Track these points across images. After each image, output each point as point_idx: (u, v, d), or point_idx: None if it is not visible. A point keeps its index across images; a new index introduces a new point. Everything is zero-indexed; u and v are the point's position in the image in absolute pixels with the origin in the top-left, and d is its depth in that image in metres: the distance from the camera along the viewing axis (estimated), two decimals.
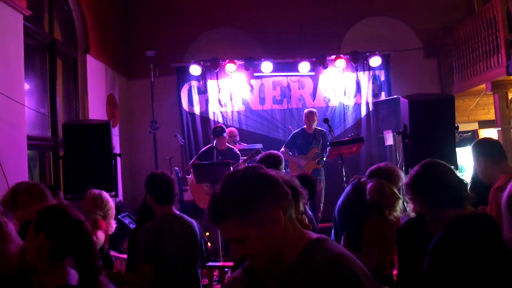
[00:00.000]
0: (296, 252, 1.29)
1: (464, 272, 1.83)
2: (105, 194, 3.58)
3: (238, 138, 7.20)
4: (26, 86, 4.84)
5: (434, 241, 1.93)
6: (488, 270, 1.83)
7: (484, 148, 3.15)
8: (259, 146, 6.48)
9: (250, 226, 1.25)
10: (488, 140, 3.37)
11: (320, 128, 6.60)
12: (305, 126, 6.62)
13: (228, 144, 6.22)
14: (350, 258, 1.27)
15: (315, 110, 6.72)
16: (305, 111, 6.77)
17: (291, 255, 1.28)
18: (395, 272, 2.81)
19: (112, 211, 3.57)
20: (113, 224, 3.60)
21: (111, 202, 3.60)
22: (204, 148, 6.33)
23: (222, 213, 1.26)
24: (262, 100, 8.09)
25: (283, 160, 3.71)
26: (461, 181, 2.06)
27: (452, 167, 2.12)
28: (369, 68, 7.97)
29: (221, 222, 1.27)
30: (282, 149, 6.51)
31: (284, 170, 4.71)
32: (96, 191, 3.58)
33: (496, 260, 1.82)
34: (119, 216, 6.39)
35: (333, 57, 7.78)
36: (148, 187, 3.10)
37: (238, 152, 6.13)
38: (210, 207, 1.29)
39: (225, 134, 6.13)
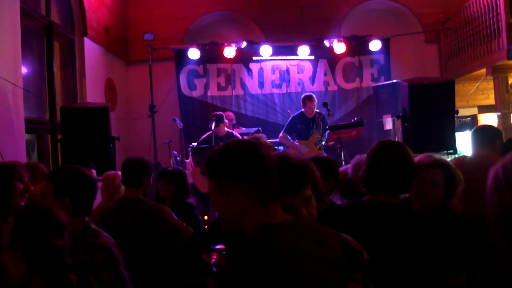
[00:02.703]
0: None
1: None
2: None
3: (235, 122, 7.17)
4: (24, 70, 4.79)
5: None
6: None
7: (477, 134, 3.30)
8: (254, 130, 6.41)
9: (222, 193, 1.38)
10: (482, 127, 3.50)
11: (319, 111, 6.41)
12: (303, 110, 6.45)
13: (227, 129, 6.20)
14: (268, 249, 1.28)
15: (313, 95, 6.58)
16: (303, 95, 6.58)
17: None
18: None
19: None
20: None
21: None
22: (203, 137, 6.28)
23: (206, 172, 1.43)
24: (261, 84, 8.05)
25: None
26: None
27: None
28: (369, 52, 7.91)
29: (207, 178, 1.43)
30: (281, 134, 6.39)
31: None
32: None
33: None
34: (110, 204, 6.41)
35: (332, 41, 7.71)
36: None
37: (238, 135, 6.11)
38: (206, 162, 1.43)
39: (225, 121, 6.12)
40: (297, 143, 6.30)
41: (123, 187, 3.35)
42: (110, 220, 3.16)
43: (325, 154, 6.18)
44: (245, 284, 1.23)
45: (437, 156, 2.38)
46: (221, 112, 6.32)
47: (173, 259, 3.22)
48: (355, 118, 6.08)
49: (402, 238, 1.87)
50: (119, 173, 3.49)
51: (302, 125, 6.37)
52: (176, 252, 3.19)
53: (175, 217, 3.14)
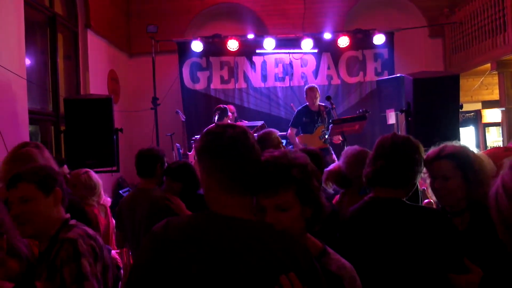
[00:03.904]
0: None
1: None
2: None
3: (236, 115, 7.16)
4: (27, 61, 4.79)
5: None
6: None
7: None
8: (260, 123, 6.38)
9: (201, 170, 1.43)
10: None
11: (324, 105, 6.30)
12: (307, 103, 6.38)
13: (230, 122, 6.18)
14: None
15: (315, 86, 6.52)
16: (306, 87, 6.50)
17: None
18: None
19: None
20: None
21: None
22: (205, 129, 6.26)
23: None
24: (264, 78, 8.03)
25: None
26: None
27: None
28: (373, 46, 7.86)
29: None
30: (289, 131, 6.33)
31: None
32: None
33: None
34: (120, 191, 6.44)
35: (336, 34, 7.68)
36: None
37: None
38: None
39: (228, 115, 6.10)
40: (301, 143, 6.18)
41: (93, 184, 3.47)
42: (126, 211, 3.26)
43: (330, 148, 6.14)
44: (142, 261, 1.34)
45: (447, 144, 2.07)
46: (225, 106, 6.29)
47: None
48: (360, 110, 6.00)
49: (400, 235, 1.85)
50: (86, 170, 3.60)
51: (307, 118, 6.28)
52: None
53: (184, 208, 3.14)
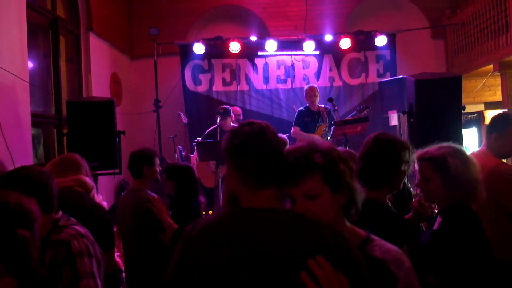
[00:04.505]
0: None
1: None
2: None
3: (242, 117, 7.16)
4: (30, 64, 4.80)
5: None
6: None
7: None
8: None
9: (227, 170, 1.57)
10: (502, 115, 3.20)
11: (324, 106, 6.43)
12: (308, 104, 6.46)
13: (232, 124, 6.19)
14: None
15: (315, 85, 6.57)
16: (305, 87, 6.59)
17: None
18: None
19: None
20: None
21: None
22: (208, 130, 6.30)
23: None
24: (266, 80, 8.03)
25: None
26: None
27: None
28: (375, 48, 7.86)
29: None
30: (292, 130, 6.37)
31: None
32: None
33: None
34: (122, 194, 6.42)
35: (338, 36, 7.68)
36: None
37: None
38: None
39: (231, 115, 6.12)
40: (309, 135, 6.17)
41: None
42: (118, 211, 3.36)
43: None
44: (180, 253, 1.44)
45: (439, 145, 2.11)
46: (228, 106, 6.29)
47: (162, 255, 3.20)
48: (360, 106, 6.03)
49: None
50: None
51: (308, 118, 6.36)
52: (165, 250, 3.19)
53: (167, 212, 3.15)
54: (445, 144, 2.09)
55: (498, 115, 3.14)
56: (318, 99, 6.39)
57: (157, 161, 3.45)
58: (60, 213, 1.97)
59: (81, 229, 1.93)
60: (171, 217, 3.13)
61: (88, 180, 2.72)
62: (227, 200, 2.17)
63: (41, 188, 1.86)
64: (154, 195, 3.30)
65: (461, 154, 2.07)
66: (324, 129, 6.19)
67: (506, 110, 6.86)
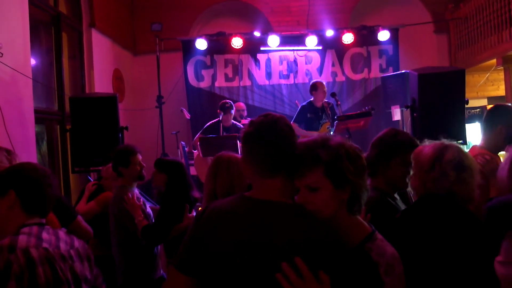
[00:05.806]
0: None
1: None
2: None
3: (245, 113, 7.14)
4: (33, 60, 4.81)
5: None
6: None
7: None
8: None
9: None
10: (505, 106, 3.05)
11: (327, 101, 6.27)
12: (312, 99, 6.30)
13: (232, 121, 6.18)
14: None
15: (321, 81, 6.39)
16: (317, 81, 6.34)
17: None
18: None
19: None
20: None
21: None
22: (209, 123, 6.28)
23: None
24: (268, 75, 8.02)
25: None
26: None
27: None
28: (377, 43, 7.83)
29: None
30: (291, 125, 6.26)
31: None
32: None
33: None
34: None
35: (341, 31, 7.66)
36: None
37: (242, 126, 6.09)
38: None
39: (233, 111, 6.11)
40: (307, 133, 6.05)
41: None
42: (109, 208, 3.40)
43: None
44: (191, 233, 1.53)
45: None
46: (230, 102, 6.26)
47: (139, 253, 3.24)
48: (366, 108, 5.94)
49: None
50: None
51: (312, 115, 6.23)
52: (141, 247, 3.22)
53: (138, 210, 3.15)
54: (437, 142, 1.94)
55: (501, 106, 3.04)
56: (324, 94, 6.27)
57: (136, 159, 3.33)
58: (44, 221, 1.80)
59: (44, 234, 1.73)
60: (160, 211, 3.15)
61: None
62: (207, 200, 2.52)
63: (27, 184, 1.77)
64: (136, 192, 3.34)
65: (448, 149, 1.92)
66: (328, 127, 6.06)
67: (510, 104, 6.84)
